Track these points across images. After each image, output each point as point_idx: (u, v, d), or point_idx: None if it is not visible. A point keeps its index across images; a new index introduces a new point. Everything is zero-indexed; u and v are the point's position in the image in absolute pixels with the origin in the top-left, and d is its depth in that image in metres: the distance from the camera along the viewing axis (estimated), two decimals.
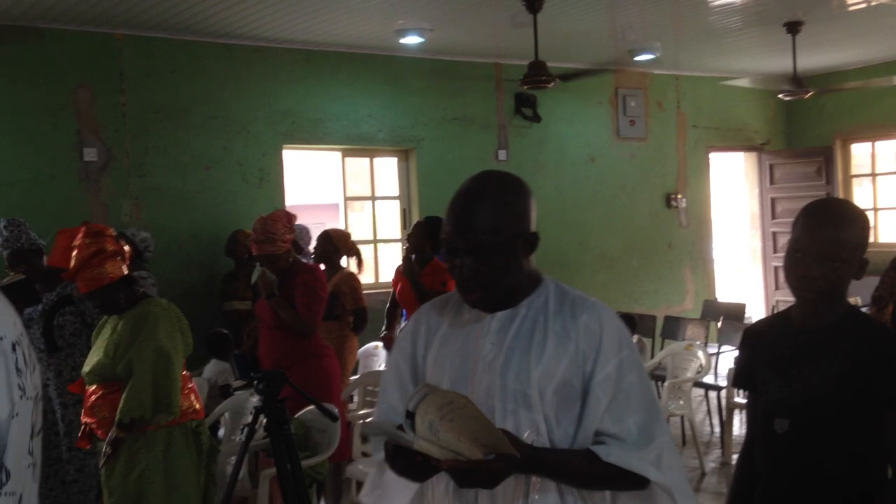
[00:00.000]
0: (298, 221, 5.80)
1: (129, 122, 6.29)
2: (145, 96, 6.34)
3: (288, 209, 6.93)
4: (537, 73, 5.89)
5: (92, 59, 6.15)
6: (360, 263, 5.64)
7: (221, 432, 4.77)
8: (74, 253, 3.28)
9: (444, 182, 7.63)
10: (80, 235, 3.30)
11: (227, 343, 5.44)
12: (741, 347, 2.23)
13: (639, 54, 7.69)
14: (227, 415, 4.65)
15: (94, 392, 3.38)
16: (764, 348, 2.10)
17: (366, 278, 6.72)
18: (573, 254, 8.23)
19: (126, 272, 3.38)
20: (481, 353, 1.66)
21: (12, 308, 0.99)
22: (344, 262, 5.60)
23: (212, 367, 5.32)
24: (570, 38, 6.92)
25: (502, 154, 7.98)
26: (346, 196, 7.67)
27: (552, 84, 6.05)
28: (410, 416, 1.43)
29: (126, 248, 3.45)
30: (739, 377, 2.20)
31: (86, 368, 3.41)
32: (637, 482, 1.61)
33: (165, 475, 3.36)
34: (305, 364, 4.12)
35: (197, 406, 3.58)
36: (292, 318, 4.22)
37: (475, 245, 1.59)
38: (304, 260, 5.40)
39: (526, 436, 1.58)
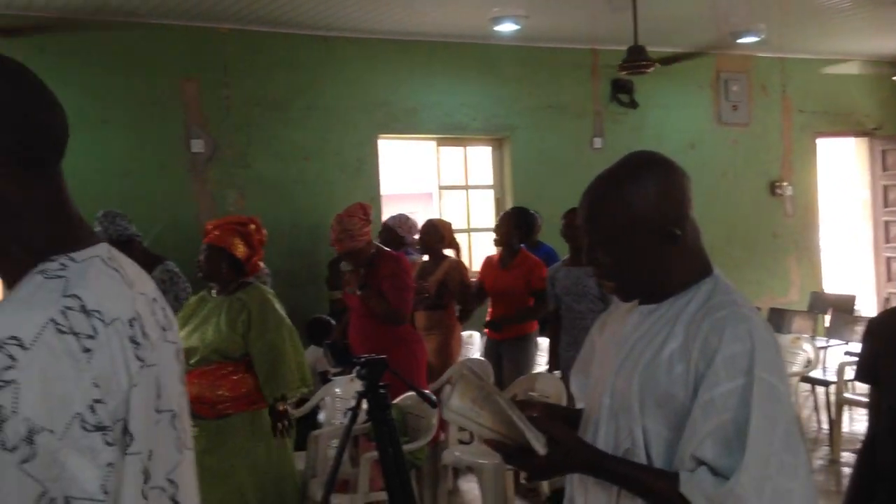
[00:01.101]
0: (400, 212, 5.88)
1: (233, 115, 6.49)
2: (248, 89, 6.53)
3: (382, 199, 7.05)
4: (636, 58, 5.77)
5: (198, 53, 6.37)
6: (458, 254, 5.65)
7: (321, 416, 4.88)
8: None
9: (538, 170, 7.57)
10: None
11: (328, 330, 5.56)
12: (864, 340, 2.12)
13: (742, 36, 7.43)
14: (327, 399, 4.75)
15: (199, 372, 3.50)
16: (890, 341, 1.99)
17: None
18: None
19: (243, 255, 3.60)
20: (619, 346, 1.58)
21: (140, 280, 1.10)
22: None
23: (311, 353, 5.44)
24: (670, 21, 6.74)
25: (598, 142, 7.86)
26: (441, 185, 7.70)
27: (651, 69, 5.91)
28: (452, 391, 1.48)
29: (257, 238, 3.67)
30: (863, 371, 2.10)
31: (201, 343, 3.53)
32: None
33: (266, 455, 3.54)
34: (396, 351, 4.17)
35: None
36: (383, 308, 4.26)
37: (600, 236, 1.53)
38: (409, 250, 5.46)
39: (623, 441, 1.49)
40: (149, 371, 1.03)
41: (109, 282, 1.04)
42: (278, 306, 3.63)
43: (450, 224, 5.73)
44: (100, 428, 0.95)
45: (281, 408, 3.54)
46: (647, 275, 1.53)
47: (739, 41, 7.57)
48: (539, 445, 1.45)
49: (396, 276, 4.32)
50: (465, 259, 7.28)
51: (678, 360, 1.44)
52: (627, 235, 1.50)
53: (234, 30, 6.44)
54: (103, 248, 1.07)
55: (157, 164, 6.25)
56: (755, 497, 1.35)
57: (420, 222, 5.67)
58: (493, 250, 7.84)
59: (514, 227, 5.35)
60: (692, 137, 8.31)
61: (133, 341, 1.01)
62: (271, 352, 3.51)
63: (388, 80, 7.07)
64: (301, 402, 4.45)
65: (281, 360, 3.51)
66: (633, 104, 7.95)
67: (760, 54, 8.45)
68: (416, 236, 5.61)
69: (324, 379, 5.18)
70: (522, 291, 5.28)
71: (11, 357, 0.91)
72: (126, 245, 4.57)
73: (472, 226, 7.87)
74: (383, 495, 3.73)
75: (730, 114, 8.46)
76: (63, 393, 0.93)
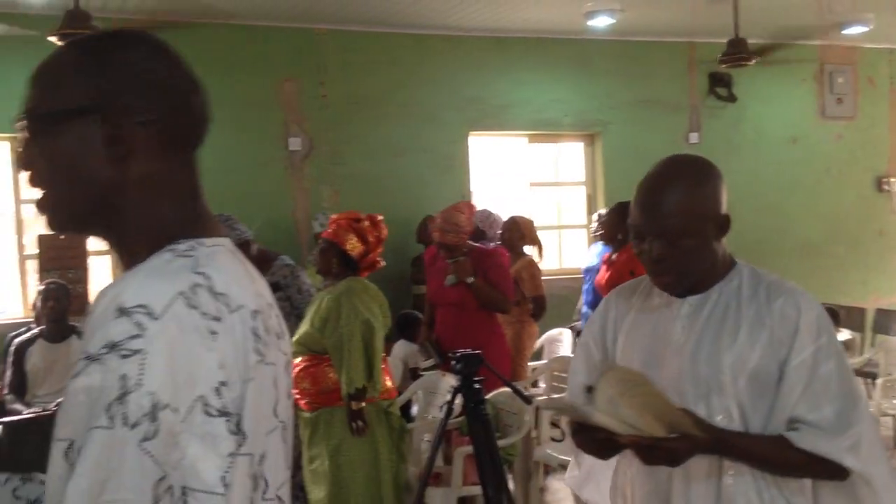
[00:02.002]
0: (484, 207, 5.89)
1: (329, 113, 6.65)
2: (344, 88, 6.67)
3: (472, 195, 7.07)
4: (736, 51, 5.61)
5: (297, 54, 6.54)
6: (540, 252, 5.63)
7: (414, 410, 4.94)
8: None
9: (630, 167, 7.40)
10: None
11: (417, 325, 5.62)
12: None
13: (848, 27, 7.12)
14: (419, 393, 4.81)
15: (297, 365, 3.61)
16: None
17: (550, 264, 6.72)
18: (771, 241, 7.77)
19: (356, 251, 3.62)
20: (671, 338, 1.64)
21: (259, 280, 1.05)
22: (526, 249, 5.61)
23: (400, 348, 5.52)
24: (772, 11, 6.51)
25: (694, 136, 7.67)
26: (531, 182, 7.67)
27: (753, 61, 5.73)
28: (591, 391, 1.45)
29: (373, 234, 3.69)
30: None
31: (294, 338, 3.65)
32: (833, 471, 1.56)
33: (359, 450, 3.53)
34: (491, 345, 4.18)
35: (389, 385, 3.73)
36: (494, 297, 4.32)
37: (663, 228, 1.58)
38: (489, 244, 5.47)
39: (717, 420, 1.57)
40: (266, 369, 0.97)
41: (236, 271, 0.99)
42: (362, 301, 3.56)
43: (531, 221, 5.72)
44: (223, 414, 0.88)
45: (354, 406, 3.48)
46: (706, 265, 1.63)
47: (845, 32, 7.25)
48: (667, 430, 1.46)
49: (501, 267, 4.42)
50: (553, 257, 7.24)
51: (756, 336, 1.58)
52: (699, 228, 1.59)
53: (330, 30, 6.58)
54: (228, 241, 1.04)
55: (257, 162, 6.45)
56: (867, 425, 1.56)
57: (505, 219, 5.67)
58: (584, 248, 7.80)
59: (618, 222, 5.28)
60: (794, 132, 8.02)
61: (255, 333, 0.95)
62: (340, 346, 3.49)
63: (481, 77, 7.08)
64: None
65: (348, 355, 3.47)
66: (731, 98, 7.73)
67: (868, 45, 8.08)
68: (498, 232, 5.62)
69: (413, 374, 5.24)
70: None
71: (139, 325, 0.85)
72: (244, 246, 4.65)
73: (562, 223, 7.81)
74: (475, 489, 3.75)
75: (834, 107, 8.13)
76: (189, 370, 0.86)
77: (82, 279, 6.01)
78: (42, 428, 4.57)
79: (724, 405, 1.58)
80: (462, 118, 7.05)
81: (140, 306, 0.86)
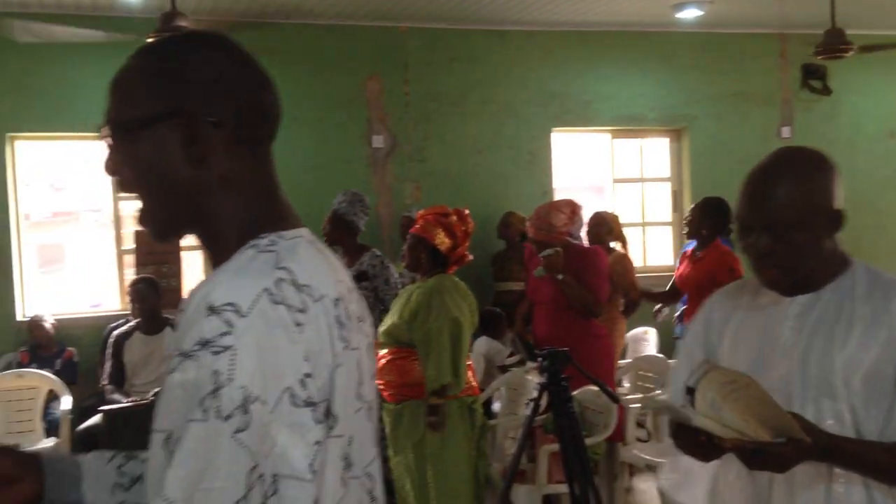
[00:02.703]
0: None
1: (412, 111, 6.69)
2: (427, 85, 6.71)
3: (555, 192, 7.01)
4: (834, 41, 5.39)
5: (381, 52, 6.61)
6: (625, 247, 5.53)
7: (496, 407, 4.94)
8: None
9: (718, 162, 7.25)
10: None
11: (501, 322, 5.61)
12: None
13: None
14: (502, 390, 4.80)
15: (383, 356, 3.64)
16: None
17: (634, 262, 6.59)
18: (868, 238, 7.43)
19: (444, 246, 3.63)
20: (780, 338, 1.58)
21: (339, 266, 1.09)
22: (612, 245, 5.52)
23: (482, 344, 5.51)
24: (870, 2, 6.24)
25: (786, 131, 7.42)
26: (614, 178, 7.56)
27: (851, 52, 5.50)
28: (691, 392, 1.39)
29: (460, 229, 3.69)
30: None
31: (381, 328, 3.69)
32: None
33: (441, 445, 3.54)
34: (585, 345, 4.12)
35: (473, 383, 3.73)
36: (584, 297, 4.21)
37: (771, 220, 1.52)
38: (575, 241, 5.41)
39: (828, 425, 1.49)
40: (352, 354, 1.02)
41: (316, 261, 1.03)
42: (452, 299, 3.57)
43: (617, 216, 5.62)
44: (309, 404, 0.93)
45: (434, 401, 3.47)
46: (816, 261, 1.56)
47: None
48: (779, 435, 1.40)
49: (595, 267, 4.29)
50: (636, 253, 7.11)
51: (872, 337, 1.50)
52: (810, 221, 1.53)
53: (413, 28, 6.63)
54: (307, 231, 1.07)
55: (341, 159, 6.55)
56: None
57: (588, 215, 5.59)
58: (669, 245, 7.64)
59: (704, 217, 5.15)
60: (892, 125, 7.67)
61: (338, 321, 0.99)
62: (428, 341, 3.49)
63: (564, 73, 7.02)
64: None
65: (435, 352, 3.47)
66: (826, 91, 7.44)
67: None
68: (584, 228, 5.54)
69: (498, 370, 5.23)
70: (708, 285, 5.08)
71: (228, 323, 0.89)
72: (348, 227, 4.67)
73: (646, 219, 7.67)
74: (560, 487, 3.72)
75: None
76: (276, 364, 0.91)
77: (176, 273, 6.21)
78: (139, 416, 4.75)
79: (836, 409, 1.51)
80: (545, 114, 7.00)
81: (228, 304, 0.91)
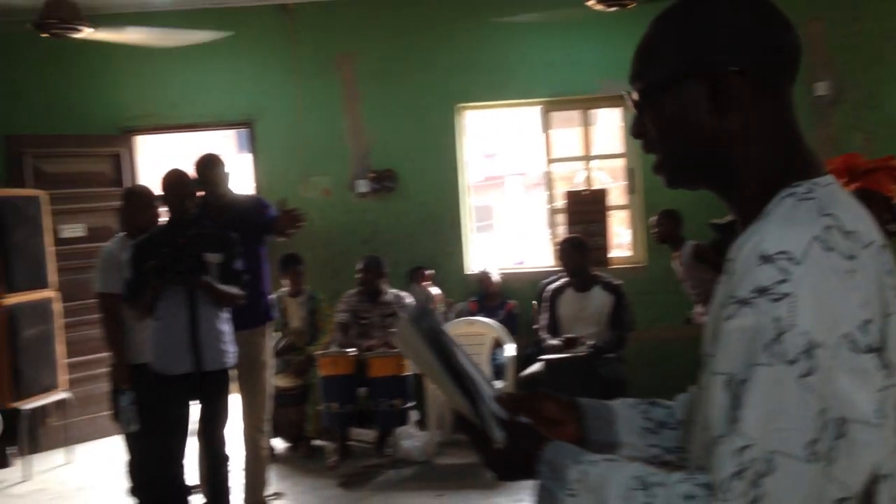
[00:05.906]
0: None
1: (861, 53, 5.98)
2: (881, 22, 5.94)
3: None
4: None
5: None
6: None
7: None
8: None
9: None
10: None
11: None
12: None
13: None
14: None
15: None
16: None
17: None
18: None
19: None
20: None
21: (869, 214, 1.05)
22: None
23: None
24: None
25: None
26: None
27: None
28: None
29: None
30: None
31: None
32: None
33: None
34: None
35: None
36: None
37: None
38: None
39: None
40: None
41: (855, 206, 1.02)
42: None
43: None
44: (871, 350, 0.92)
45: None
46: None
47: None
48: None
49: None
50: None
51: None
52: None
53: None
54: (833, 178, 1.05)
55: None
56: None
57: None
58: None
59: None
60: None
61: (886, 269, 0.98)
62: None
63: None
64: None
65: None
66: None
67: None
68: None
69: None
70: None
71: (784, 271, 0.92)
72: None
73: None
74: None
75: None
76: (833, 310, 0.92)
77: (602, 232, 6.40)
78: (575, 367, 5.05)
79: None
80: None
81: (781, 252, 0.93)
